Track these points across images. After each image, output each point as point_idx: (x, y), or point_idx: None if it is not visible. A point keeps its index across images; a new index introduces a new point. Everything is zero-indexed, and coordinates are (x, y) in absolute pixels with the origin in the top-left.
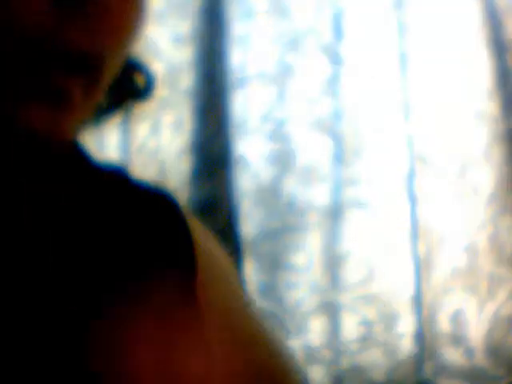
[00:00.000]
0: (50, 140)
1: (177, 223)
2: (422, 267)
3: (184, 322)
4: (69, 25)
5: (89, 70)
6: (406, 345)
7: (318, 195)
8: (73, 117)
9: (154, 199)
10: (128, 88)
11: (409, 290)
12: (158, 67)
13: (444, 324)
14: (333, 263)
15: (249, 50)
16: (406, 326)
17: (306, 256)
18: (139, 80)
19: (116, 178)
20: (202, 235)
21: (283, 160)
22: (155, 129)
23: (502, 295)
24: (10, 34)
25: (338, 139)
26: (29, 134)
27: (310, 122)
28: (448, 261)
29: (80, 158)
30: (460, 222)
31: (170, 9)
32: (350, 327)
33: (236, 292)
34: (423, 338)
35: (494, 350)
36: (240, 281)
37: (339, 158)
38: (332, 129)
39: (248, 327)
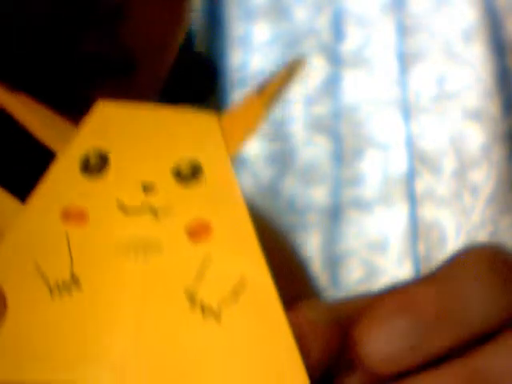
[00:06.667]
0: None
1: None
2: (422, 267)
3: None
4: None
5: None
6: None
7: (318, 195)
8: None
9: None
10: (185, 89)
11: None
12: None
13: None
14: (332, 263)
15: (249, 50)
16: None
17: (306, 256)
18: (197, 80)
19: None
20: None
21: (283, 160)
22: None
23: None
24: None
25: (338, 139)
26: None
27: (309, 122)
28: None
29: None
30: (460, 221)
31: None
32: None
33: None
34: None
35: None
36: None
37: (339, 158)
38: (332, 129)
39: None
